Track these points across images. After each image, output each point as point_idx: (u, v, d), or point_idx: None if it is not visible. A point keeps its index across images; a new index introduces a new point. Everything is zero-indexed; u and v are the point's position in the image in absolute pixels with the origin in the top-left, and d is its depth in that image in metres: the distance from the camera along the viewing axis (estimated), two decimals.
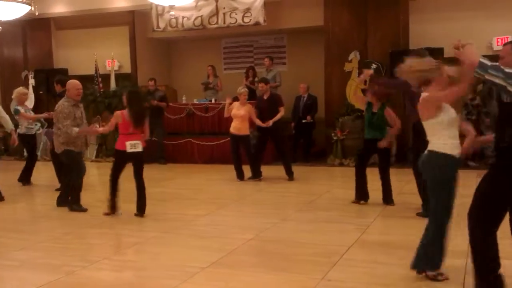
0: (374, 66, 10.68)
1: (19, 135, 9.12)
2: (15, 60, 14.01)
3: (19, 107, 8.80)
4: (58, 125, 6.64)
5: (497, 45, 10.22)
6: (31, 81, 13.40)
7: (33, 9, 9.47)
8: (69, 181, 6.84)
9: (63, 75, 12.67)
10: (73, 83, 6.90)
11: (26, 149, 9.37)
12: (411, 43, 10.42)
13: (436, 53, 9.74)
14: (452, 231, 5.28)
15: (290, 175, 8.88)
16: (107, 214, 6.38)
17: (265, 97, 9.10)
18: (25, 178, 9.03)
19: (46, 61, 13.64)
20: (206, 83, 12.13)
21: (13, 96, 9.42)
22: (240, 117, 8.80)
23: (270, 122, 8.75)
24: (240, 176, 8.96)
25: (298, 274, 4.15)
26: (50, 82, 12.95)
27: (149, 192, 7.78)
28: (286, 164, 8.93)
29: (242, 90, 9.01)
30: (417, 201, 6.09)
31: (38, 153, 12.29)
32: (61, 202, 6.95)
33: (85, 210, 6.66)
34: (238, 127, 8.84)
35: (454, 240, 4.96)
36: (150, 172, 10.35)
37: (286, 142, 9.77)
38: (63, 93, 8.99)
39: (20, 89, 9.25)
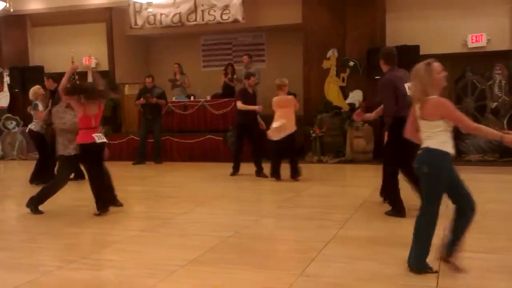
0: (351, 63, 10.78)
1: (33, 132, 8.59)
2: None
3: (38, 102, 8.53)
4: None
5: (472, 43, 10.41)
6: (6, 79, 13.19)
7: (8, 5, 9.34)
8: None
9: (38, 72, 12.54)
10: None
11: (49, 147, 8.85)
12: (387, 41, 10.54)
13: (412, 50, 9.91)
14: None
15: (260, 171, 8.85)
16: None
17: (250, 91, 9.15)
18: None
19: (22, 58, 13.43)
20: (173, 81, 12.08)
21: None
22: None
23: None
24: (278, 176, 8.44)
25: (276, 271, 4.18)
26: (25, 79, 12.75)
27: (129, 191, 7.76)
28: (260, 161, 8.91)
29: (286, 80, 8.42)
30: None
31: (14, 153, 12.14)
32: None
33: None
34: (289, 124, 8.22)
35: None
36: (130, 170, 10.37)
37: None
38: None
39: (38, 86, 8.89)
